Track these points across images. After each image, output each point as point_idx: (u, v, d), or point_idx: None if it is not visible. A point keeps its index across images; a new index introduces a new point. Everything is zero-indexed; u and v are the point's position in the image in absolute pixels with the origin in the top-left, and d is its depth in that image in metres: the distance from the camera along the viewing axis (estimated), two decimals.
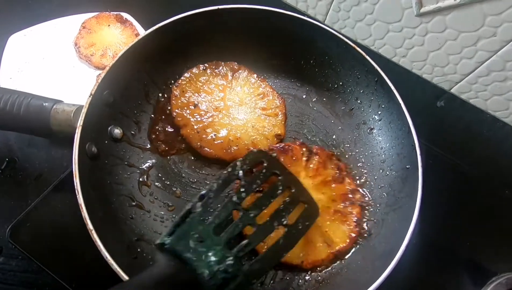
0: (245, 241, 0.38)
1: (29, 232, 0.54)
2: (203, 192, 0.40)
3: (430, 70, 0.77)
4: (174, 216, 0.53)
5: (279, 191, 0.44)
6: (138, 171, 0.55)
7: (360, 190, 0.56)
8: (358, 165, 0.59)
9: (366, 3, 0.74)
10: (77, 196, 0.42)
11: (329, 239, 0.50)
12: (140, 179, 0.54)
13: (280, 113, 0.60)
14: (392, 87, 0.53)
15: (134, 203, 0.52)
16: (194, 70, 0.61)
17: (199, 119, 0.57)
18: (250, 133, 0.57)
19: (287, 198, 0.44)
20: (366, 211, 0.55)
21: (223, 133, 0.56)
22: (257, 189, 0.44)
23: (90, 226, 0.40)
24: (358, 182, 0.58)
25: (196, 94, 0.59)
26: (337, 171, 0.55)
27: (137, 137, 0.57)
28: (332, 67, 0.62)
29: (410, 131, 0.50)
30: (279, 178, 0.45)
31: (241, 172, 0.43)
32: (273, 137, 0.58)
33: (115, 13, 0.75)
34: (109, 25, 0.75)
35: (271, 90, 0.62)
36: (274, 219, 0.42)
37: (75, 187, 0.42)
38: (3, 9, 0.75)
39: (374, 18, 0.77)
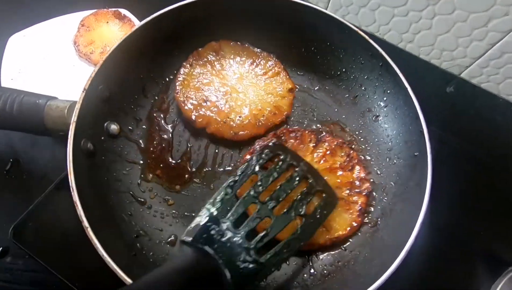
0: (263, 233, 0.39)
1: (31, 232, 0.53)
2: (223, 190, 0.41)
3: (439, 55, 0.74)
4: (174, 211, 0.51)
5: (296, 182, 0.44)
6: (137, 167, 0.53)
7: (371, 180, 0.54)
8: (364, 154, 0.57)
9: None
10: (72, 194, 0.41)
11: (329, 224, 0.49)
12: (141, 175, 0.52)
13: (280, 70, 0.60)
14: (398, 71, 0.50)
15: (133, 200, 0.50)
16: (182, 70, 0.59)
17: (217, 110, 0.57)
18: (267, 99, 0.58)
19: (304, 189, 0.44)
20: (374, 202, 0.52)
21: (245, 111, 0.57)
22: (274, 181, 0.44)
23: (86, 223, 0.39)
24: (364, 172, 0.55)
25: (200, 91, 0.58)
26: (347, 159, 0.53)
27: (135, 132, 0.56)
28: (334, 53, 0.60)
29: (418, 116, 0.48)
30: (296, 169, 0.45)
31: (257, 167, 0.44)
32: (288, 93, 0.59)
33: (113, 9, 0.74)
34: (107, 22, 0.74)
35: (259, 52, 0.62)
36: (292, 209, 0.42)
37: (70, 185, 0.41)
38: (2, 10, 0.75)
39: (378, 3, 0.74)
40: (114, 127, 0.51)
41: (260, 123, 0.56)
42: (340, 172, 0.53)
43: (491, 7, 0.63)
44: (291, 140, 0.54)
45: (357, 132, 0.59)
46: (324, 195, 0.45)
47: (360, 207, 0.50)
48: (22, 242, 0.52)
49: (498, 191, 0.62)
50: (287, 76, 0.61)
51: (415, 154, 0.48)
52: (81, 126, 0.45)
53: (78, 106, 0.44)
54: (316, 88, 0.62)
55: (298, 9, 0.56)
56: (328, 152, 0.54)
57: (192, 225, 0.39)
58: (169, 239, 0.49)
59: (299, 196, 0.43)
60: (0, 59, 0.67)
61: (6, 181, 0.58)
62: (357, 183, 0.52)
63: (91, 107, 0.47)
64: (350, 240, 0.50)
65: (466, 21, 0.68)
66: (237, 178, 0.42)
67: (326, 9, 0.81)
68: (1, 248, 0.53)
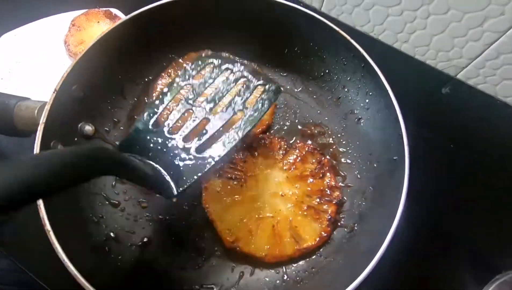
0: (202, 131, 0.40)
1: (11, 232, 0.53)
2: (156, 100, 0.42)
3: (434, 56, 0.72)
4: (147, 214, 0.50)
5: (233, 82, 0.42)
6: None
7: (340, 185, 0.52)
8: (345, 157, 0.55)
9: None
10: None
11: (298, 235, 0.47)
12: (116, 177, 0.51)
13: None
14: (379, 73, 0.48)
15: (106, 202, 0.50)
16: (160, 81, 0.58)
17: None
18: None
19: (242, 86, 0.42)
20: (352, 205, 0.50)
21: None
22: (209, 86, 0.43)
23: (48, 227, 0.38)
24: (342, 174, 0.53)
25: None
26: (318, 166, 0.51)
27: (112, 133, 0.55)
28: (317, 54, 0.58)
29: (398, 119, 0.46)
30: (233, 70, 0.43)
31: (189, 77, 0.43)
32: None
33: (104, 9, 0.74)
34: (98, 22, 0.74)
35: (239, 61, 0.59)
36: (230, 106, 0.41)
37: None
38: None
39: (373, 2, 0.72)
40: (88, 128, 0.51)
41: None
42: (310, 180, 0.51)
43: (486, 6, 0.61)
44: (261, 148, 0.53)
45: (339, 135, 0.57)
46: (265, 86, 0.42)
47: (329, 217, 0.48)
48: (1, 242, 0.52)
49: (492, 195, 0.59)
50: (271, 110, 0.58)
51: (394, 158, 0.47)
52: (51, 127, 0.44)
53: (48, 107, 0.44)
54: (299, 89, 0.61)
55: (280, 9, 0.54)
56: (298, 159, 0.52)
57: (129, 135, 0.40)
58: (140, 243, 0.48)
59: (237, 93, 0.42)
60: None
61: None
62: (328, 191, 0.50)
63: (63, 108, 0.46)
64: (326, 245, 0.48)
65: (461, 21, 0.65)
66: (166, 89, 0.43)
67: (320, 8, 0.80)
68: None
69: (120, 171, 0.34)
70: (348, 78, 0.56)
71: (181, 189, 0.37)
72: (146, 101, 0.58)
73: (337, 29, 0.52)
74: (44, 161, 0.25)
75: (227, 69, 0.43)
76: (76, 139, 0.49)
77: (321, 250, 0.48)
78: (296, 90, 0.61)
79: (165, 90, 0.43)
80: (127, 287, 0.42)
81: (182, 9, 0.55)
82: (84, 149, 0.35)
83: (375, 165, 0.52)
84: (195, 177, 0.38)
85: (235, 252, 0.47)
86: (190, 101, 0.42)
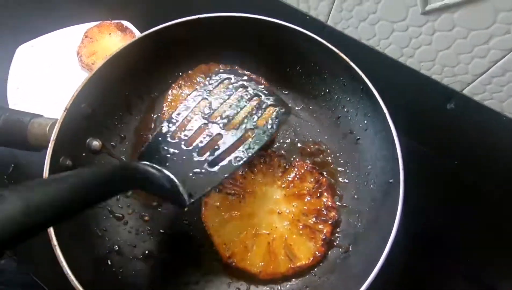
0: (215, 147, 0.42)
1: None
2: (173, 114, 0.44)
3: (440, 71, 0.72)
4: (149, 228, 0.52)
5: (247, 100, 0.45)
6: None
7: (337, 205, 0.53)
8: (343, 176, 0.55)
9: (369, 2, 0.69)
10: None
11: (292, 253, 0.48)
12: None
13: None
14: (377, 96, 0.49)
15: (110, 215, 0.52)
16: (171, 92, 0.59)
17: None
18: None
19: (255, 104, 0.45)
20: (347, 225, 0.51)
21: None
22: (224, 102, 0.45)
23: (54, 242, 0.40)
24: (340, 193, 0.54)
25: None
26: (316, 185, 0.52)
27: (118, 148, 0.57)
28: (318, 74, 0.59)
29: (394, 143, 0.46)
30: (247, 89, 0.46)
31: (206, 92, 0.46)
32: None
33: (116, 21, 0.75)
34: (110, 34, 0.75)
35: (248, 74, 0.59)
36: (243, 124, 0.43)
37: None
38: (12, 21, 0.78)
39: (378, 17, 0.72)
40: (96, 143, 0.52)
41: None
42: (308, 198, 0.52)
43: (492, 25, 0.61)
44: (260, 165, 0.54)
45: (337, 154, 0.58)
46: (276, 108, 0.44)
47: (324, 237, 0.49)
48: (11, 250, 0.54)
49: (500, 209, 0.59)
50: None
51: (390, 181, 0.47)
52: (60, 143, 0.45)
53: (58, 125, 0.45)
54: (299, 108, 0.61)
55: (283, 30, 0.55)
56: (297, 178, 0.53)
57: (145, 146, 0.42)
58: (141, 256, 0.50)
59: (250, 112, 0.44)
60: (8, 68, 0.69)
61: (5, 186, 0.60)
62: (324, 211, 0.51)
63: (72, 125, 0.48)
64: (321, 264, 0.49)
65: (466, 38, 0.65)
66: (186, 103, 0.45)
67: (326, 22, 0.80)
68: None
69: (143, 185, 0.37)
70: (348, 99, 0.57)
71: (192, 200, 0.40)
72: (153, 116, 0.60)
73: (337, 52, 0.52)
74: (77, 181, 0.27)
75: (242, 86, 0.46)
76: (84, 154, 0.51)
77: (315, 269, 0.49)
78: (297, 108, 0.61)
79: (186, 103, 0.45)
80: None
81: (189, 29, 0.56)
82: (115, 168, 0.39)
83: (371, 186, 0.52)
84: (206, 190, 0.40)
85: (231, 268, 0.48)
86: (206, 116, 0.44)
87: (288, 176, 0.54)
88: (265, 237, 0.49)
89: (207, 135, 0.43)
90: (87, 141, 0.52)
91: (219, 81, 0.46)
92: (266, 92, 0.45)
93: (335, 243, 0.51)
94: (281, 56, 0.60)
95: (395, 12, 0.69)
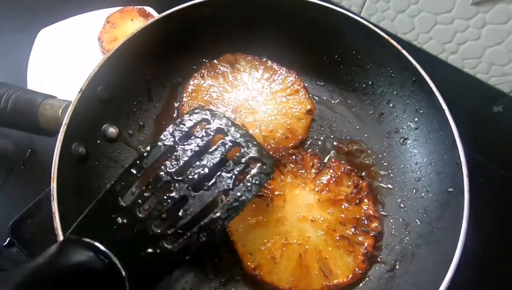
0: (178, 214, 0.32)
1: (29, 229, 0.50)
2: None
3: (486, 69, 0.65)
4: None
5: (223, 152, 0.34)
6: None
7: (380, 213, 0.44)
8: (385, 181, 0.47)
9: None
10: (52, 203, 0.35)
11: (328, 268, 0.40)
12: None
13: (300, 88, 0.52)
14: (434, 89, 0.40)
15: None
16: (192, 82, 0.53)
17: None
18: (281, 120, 0.50)
19: (233, 158, 0.34)
20: (392, 239, 0.42)
21: (254, 132, 0.49)
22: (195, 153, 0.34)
23: (60, 237, 0.34)
24: (382, 201, 0.45)
25: (208, 105, 0.52)
26: (354, 190, 0.43)
27: (135, 137, 0.50)
28: (360, 63, 0.51)
29: (455, 144, 0.37)
30: (226, 136, 0.34)
31: (177, 136, 0.34)
32: (305, 114, 0.51)
33: (139, 7, 0.71)
34: (132, 20, 0.71)
35: (279, 67, 0.54)
36: (215, 184, 0.33)
37: (51, 193, 0.35)
38: (34, 5, 0.74)
39: (419, 8, 0.66)
40: (112, 130, 0.46)
41: (269, 147, 0.48)
42: (345, 205, 0.44)
43: None
44: (291, 165, 0.46)
45: (380, 155, 0.49)
46: (260, 164, 0.33)
47: (365, 251, 0.41)
48: (19, 239, 0.49)
49: None
50: (307, 96, 0.52)
51: (449, 189, 0.38)
52: (73, 128, 0.40)
53: (72, 107, 0.40)
54: (336, 101, 0.53)
55: (322, 12, 0.48)
56: (332, 181, 0.45)
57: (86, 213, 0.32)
58: None
59: (225, 168, 0.33)
60: (29, 52, 0.66)
61: (22, 172, 0.56)
62: (365, 220, 0.43)
63: (88, 109, 0.42)
64: (362, 284, 0.40)
65: None
66: (146, 154, 0.33)
67: (359, 13, 0.73)
68: (9, 238, 0.49)
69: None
70: (395, 93, 0.49)
71: None
72: (175, 104, 0.53)
73: (386, 37, 0.44)
74: None
75: (221, 131, 0.35)
76: (99, 141, 0.45)
77: (355, 289, 0.40)
78: (333, 102, 0.54)
79: (146, 153, 0.34)
80: None
81: (217, 9, 0.51)
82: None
83: (422, 195, 0.43)
84: (160, 280, 0.31)
85: (257, 280, 0.40)
86: (172, 171, 0.33)
87: (323, 178, 0.46)
88: (296, 248, 0.41)
89: (169, 198, 0.32)
90: (103, 127, 0.46)
91: (195, 122, 0.35)
92: (248, 141, 0.34)
93: (378, 259, 0.42)
94: (318, 43, 0.53)
95: (439, 2, 0.62)
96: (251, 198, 0.32)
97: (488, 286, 0.45)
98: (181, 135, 0.34)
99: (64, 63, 0.66)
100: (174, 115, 0.53)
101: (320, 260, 0.41)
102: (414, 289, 0.36)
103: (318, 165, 0.46)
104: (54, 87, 0.63)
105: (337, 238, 0.42)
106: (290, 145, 0.49)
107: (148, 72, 0.51)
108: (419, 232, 0.41)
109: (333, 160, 0.47)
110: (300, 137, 0.49)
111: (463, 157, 0.37)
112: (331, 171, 0.46)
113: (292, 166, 0.46)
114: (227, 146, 0.34)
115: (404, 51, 0.43)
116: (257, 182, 0.32)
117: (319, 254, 0.41)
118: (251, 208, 0.44)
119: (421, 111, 0.45)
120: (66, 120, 0.39)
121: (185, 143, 0.34)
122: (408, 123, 0.48)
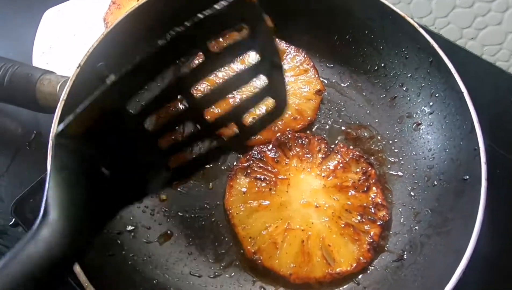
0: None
1: (31, 209, 0.49)
2: None
3: (507, 57, 0.62)
4: (165, 209, 0.44)
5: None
6: None
7: (388, 203, 0.42)
8: (395, 169, 0.44)
9: None
10: (46, 180, 0.34)
11: (331, 256, 0.39)
12: None
13: (309, 68, 0.50)
14: (453, 70, 0.38)
15: None
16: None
17: None
18: (289, 101, 0.48)
19: (256, 89, 0.28)
20: (401, 228, 0.40)
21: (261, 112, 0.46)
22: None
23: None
24: (390, 189, 0.43)
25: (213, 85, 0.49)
26: (363, 177, 0.41)
27: None
28: (373, 44, 0.48)
29: (474, 129, 0.35)
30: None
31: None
32: (314, 95, 0.49)
33: None
34: (138, 0, 0.69)
35: (287, 46, 0.52)
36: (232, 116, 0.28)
37: (46, 180, 0.34)
38: None
39: None
40: None
41: (276, 128, 0.46)
42: (352, 192, 0.41)
43: None
44: (297, 148, 0.44)
45: (390, 141, 0.46)
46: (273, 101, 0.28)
47: (371, 240, 0.39)
48: (21, 218, 0.48)
49: None
50: (316, 76, 0.50)
51: (464, 177, 0.36)
52: (71, 106, 0.38)
53: (69, 83, 0.38)
54: (346, 84, 0.51)
55: None
56: (340, 166, 0.43)
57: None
58: (155, 240, 0.42)
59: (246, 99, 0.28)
60: (34, 33, 0.65)
61: (28, 153, 0.55)
62: (372, 209, 0.40)
63: (87, 86, 0.40)
64: (366, 272, 0.38)
65: None
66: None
67: None
68: (14, 218, 0.49)
69: None
70: (409, 75, 0.46)
71: None
72: None
73: (403, 15, 0.41)
74: None
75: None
76: None
77: (359, 277, 0.39)
78: (342, 84, 0.51)
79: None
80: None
81: None
82: None
83: (435, 183, 0.41)
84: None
85: (257, 265, 0.39)
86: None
87: (329, 163, 0.43)
88: (299, 233, 0.40)
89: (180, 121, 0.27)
90: None
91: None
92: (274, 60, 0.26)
93: (385, 248, 0.40)
94: (327, 22, 0.50)
95: None
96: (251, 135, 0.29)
97: (501, 280, 0.43)
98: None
99: (70, 44, 0.64)
100: None
101: (323, 247, 0.39)
102: (422, 280, 0.34)
103: (325, 149, 0.44)
104: (60, 68, 0.60)
105: (342, 225, 0.40)
106: (298, 126, 0.47)
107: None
108: (430, 222, 0.39)
109: (341, 145, 0.45)
110: (309, 118, 0.47)
111: (482, 143, 0.34)
112: (339, 156, 0.44)
113: (298, 149, 0.44)
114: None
115: (421, 30, 0.40)
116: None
117: (322, 241, 0.39)
118: (253, 191, 0.42)
119: (436, 95, 0.42)
120: (63, 96, 0.38)
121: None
122: (422, 107, 0.45)
